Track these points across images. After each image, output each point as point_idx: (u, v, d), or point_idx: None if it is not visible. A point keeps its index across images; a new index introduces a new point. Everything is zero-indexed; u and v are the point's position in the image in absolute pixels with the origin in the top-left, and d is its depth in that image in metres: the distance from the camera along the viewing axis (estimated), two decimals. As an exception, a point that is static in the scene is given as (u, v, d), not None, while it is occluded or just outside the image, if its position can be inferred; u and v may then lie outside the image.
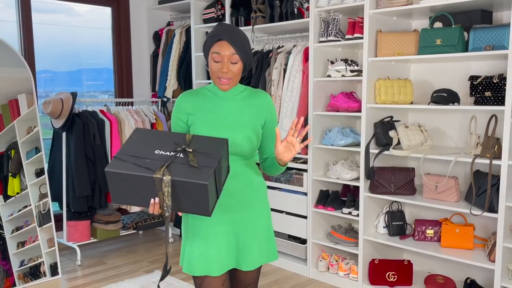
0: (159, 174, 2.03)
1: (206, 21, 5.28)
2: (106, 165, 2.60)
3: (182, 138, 2.23)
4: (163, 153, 2.14)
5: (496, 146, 3.42)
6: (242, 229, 2.45)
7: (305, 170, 4.49)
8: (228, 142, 2.26)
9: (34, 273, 4.39)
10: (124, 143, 2.21)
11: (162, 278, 2.27)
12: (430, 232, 3.93)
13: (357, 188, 4.23)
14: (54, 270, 4.51)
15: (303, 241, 4.65)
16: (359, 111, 4.12)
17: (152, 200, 2.09)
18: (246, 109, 2.43)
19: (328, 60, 4.33)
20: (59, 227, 4.90)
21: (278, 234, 4.77)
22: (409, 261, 4.08)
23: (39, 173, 4.45)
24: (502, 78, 3.40)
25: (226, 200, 2.40)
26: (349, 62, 4.19)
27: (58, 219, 4.92)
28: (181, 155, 2.13)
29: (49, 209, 4.48)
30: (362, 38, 4.04)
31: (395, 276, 4.05)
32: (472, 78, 3.57)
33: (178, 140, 2.21)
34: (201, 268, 2.39)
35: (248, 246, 2.46)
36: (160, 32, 5.97)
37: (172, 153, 2.14)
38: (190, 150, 2.14)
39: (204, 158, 2.12)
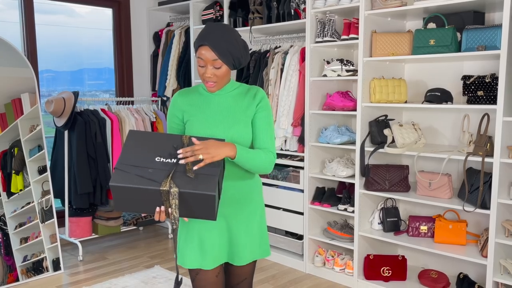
0: (166, 186, 2.00)
1: (205, 22, 5.26)
2: (110, 179, 2.52)
3: (179, 140, 2.17)
4: (164, 160, 2.10)
5: (488, 144, 3.41)
6: (235, 224, 2.43)
7: (302, 168, 4.47)
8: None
9: (37, 268, 4.38)
10: (122, 150, 2.15)
11: None
12: (424, 228, 3.92)
13: (352, 185, 4.23)
14: (56, 265, 4.50)
15: (300, 237, 4.64)
16: (355, 110, 4.11)
17: (158, 208, 2.08)
18: (239, 104, 2.39)
19: (324, 60, 4.32)
20: (61, 223, 4.88)
21: (275, 230, 4.77)
22: (403, 256, 4.07)
23: (41, 170, 4.43)
24: (494, 77, 3.39)
25: (220, 196, 2.38)
26: (345, 62, 4.18)
27: (60, 215, 4.90)
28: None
29: (51, 206, 4.47)
30: (357, 38, 4.03)
31: (390, 271, 4.04)
32: (465, 78, 3.56)
33: (176, 143, 2.16)
34: (194, 261, 2.39)
35: (241, 241, 2.44)
36: (160, 33, 5.95)
37: (173, 159, 2.10)
38: None
39: (205, 165, 2.10)
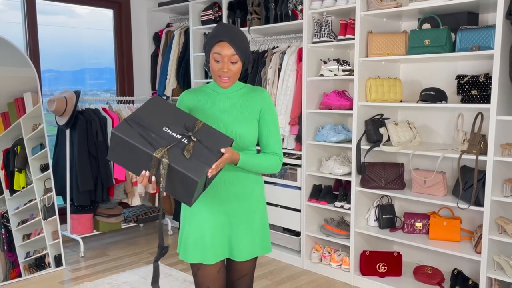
0: (159, 155, 2.02)
1: (204, 22, 5.25)
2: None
3: (192, 122, 2.20)
4: (170, 132, 2.13)
5: (482, 143, 3.40)
6: (236, 221, 2.43)
7: (299, 166, 4.46)
8: (232, 142, 2.24)
9: (39, 264, 4.37)
10: (139, 109, 2.19)
11: (157, 258, 2.26)
12: (418, 225, 3.92)
13: (348, 182, 4.22)
14: (58, 262, 4.49)
15: (297, 234, 4.63)
16: (351, 109, 4.10)
17: (143, 172, 2.09)
18: (244, 104, 2.42)
19: (321, 60, 4.31)
20: (63, 220, 4.87)
21: (273, 226, 4.76)
22: (398, 252, 4.07)
23: (43, 168, 4.42)
24: (488, 77, 3.39)
25: (222, 192, 2.39)
26: (341, 62, 4.17)
27: (62, 212, 4.88)
28: (185, 141, 2.11)
29: (53, 203, 4.45)
30: (353, 39, 4.02)
31: (385, 267, 4.03)
32: (459, 77, 3.55)
33: (189, 123, 2.19)
34: (195, 256, 2.40)
35: (241, 237, 2.44)
36: (160, 33, 5.94)
37: (178, 135, 2.12)
38: (195, 140, 2.12)
39: (205, 152, 2.11)
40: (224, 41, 2.29)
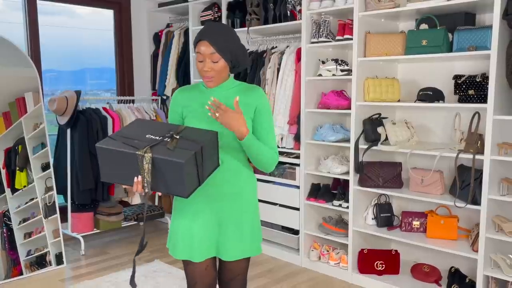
0: (142, 151, 2.04)
1: (203, 23, 5.24)
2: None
3: (175, 127, 2.24)
4: (153, 137, 2.15)
5: (479, 142, 3.40)
6: (226, 220, 2.41)
7: (298, 165, 4.46)
8: (217, 135, 2.23)
9: (40, 262, 4.37)
10: (123, 127, 2.24)
11: (137, 253, 2.25)
12: (416, 223, 3.92)
13: (347, 181, 4.21)
14: (59, 260, 4.49)
15: (296, 232, 4.63)
16: (349, 108, 4.10)
17: (135, 178, 2.09)
18: (239, 101, 2.38)
19: (319, 60, 4.31)
20: (64, 219, 4.85)
21: (272, 225, 4.76)
22: (396, 251, 4.06)
23: (45, 167, 4.41)
24: (485, 77, 3.39)
25: (213, 190, 2.37)
26: (340, 62, 4.17)
27: (63, 211, 4.87)
28: (168, 140, 2.13)
29: (54, 202, 4.45)
30: (351, 39, 4.01)
31: (383, 265, 4.03)
32: (456, 77, 3.55)
33: (172, 128, 2.22)
34: (183, 253, 2.40)
35: (230, 237, 2.42)
36: (160, 34, 5.93)
37: (161, 137, 2.15)
38: (177, 137, 2.14)
39: (188, 143, 2.12)
40: (203, 40, 2.27)
